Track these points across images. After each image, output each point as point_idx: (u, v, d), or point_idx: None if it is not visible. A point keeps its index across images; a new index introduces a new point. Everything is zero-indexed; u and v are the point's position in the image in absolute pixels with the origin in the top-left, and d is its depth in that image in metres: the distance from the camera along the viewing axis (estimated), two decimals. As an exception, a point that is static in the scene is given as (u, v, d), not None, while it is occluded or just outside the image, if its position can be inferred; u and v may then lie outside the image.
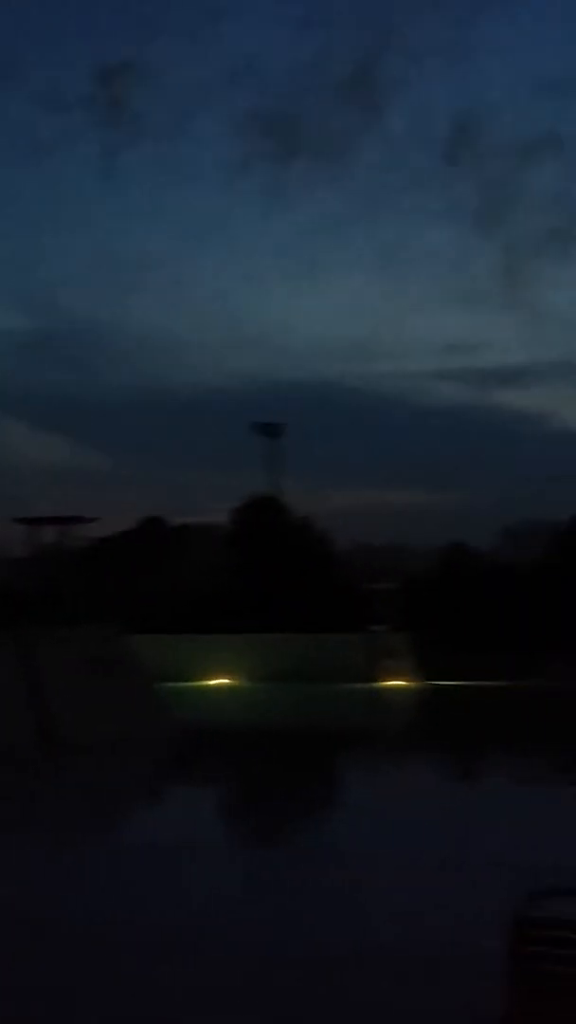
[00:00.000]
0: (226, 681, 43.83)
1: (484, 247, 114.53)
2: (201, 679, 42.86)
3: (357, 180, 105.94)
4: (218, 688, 42.97)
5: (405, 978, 8.43)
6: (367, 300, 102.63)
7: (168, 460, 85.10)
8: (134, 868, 13.12)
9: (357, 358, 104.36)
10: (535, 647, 43.26)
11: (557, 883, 4.54)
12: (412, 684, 43.57)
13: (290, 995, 8.09)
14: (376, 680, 43.69)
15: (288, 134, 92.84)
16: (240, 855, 14.49)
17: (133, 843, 15.11)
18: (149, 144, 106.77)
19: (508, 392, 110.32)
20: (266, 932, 9.96)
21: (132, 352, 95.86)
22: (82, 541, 54.63)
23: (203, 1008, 7.86)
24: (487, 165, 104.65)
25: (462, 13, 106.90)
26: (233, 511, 54.52)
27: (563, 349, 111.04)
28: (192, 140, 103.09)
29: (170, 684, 33.59)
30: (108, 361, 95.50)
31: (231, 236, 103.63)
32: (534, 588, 48.01)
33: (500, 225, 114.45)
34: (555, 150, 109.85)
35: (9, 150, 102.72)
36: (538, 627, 44.61)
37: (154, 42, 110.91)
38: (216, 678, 43.93)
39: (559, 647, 42.75)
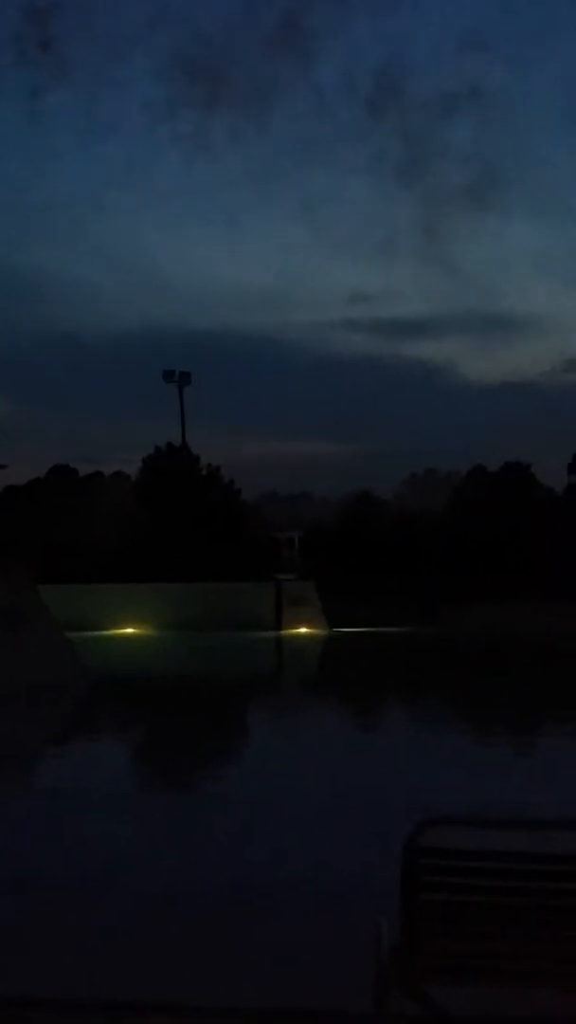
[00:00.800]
0: (135, 630, 44.21)
1: (403, 200, 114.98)
2: (110, 628, 43.17)
3: (280, 130, 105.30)
4: (127, 637, 43.33)
5: (305, 912, 8.78)
6: (284, 250, 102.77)
7: (79, 408, 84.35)
8: (38, 812, 13.45)
9: (270, 307, 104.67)
10: (433, 594, 44.54)
11: (446, 813, 4.67)
12: (318, 631, 44.49)
13: (187, 935, 8.35)
14: (283, 628, 44.51)
15: (214, 82, 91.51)
16: (145, 799, 14.91)
17: (38, 788, 15.46)
18: (75, 85, 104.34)
19: (415, 343, 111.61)
20: (167, 873, 10.22)
21: (44, 296, 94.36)
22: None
23: (102, 946, 8.13)
24: (409, 119, 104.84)
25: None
26: (143, 460, 54.52)
27: (471, 303, 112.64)
28: (118, 83, 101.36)
29: (80, 633, 33.92)
30: (18, 305, 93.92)
31: (152, 182, 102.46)
32: (436, 537, 49.27)
33: (419, 179, 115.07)
34: (475, 106, 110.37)
35: None
36: (438, 575, 45.86)
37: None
38: (125, 627, 44.28)
39: (456, 594, 44.05)
